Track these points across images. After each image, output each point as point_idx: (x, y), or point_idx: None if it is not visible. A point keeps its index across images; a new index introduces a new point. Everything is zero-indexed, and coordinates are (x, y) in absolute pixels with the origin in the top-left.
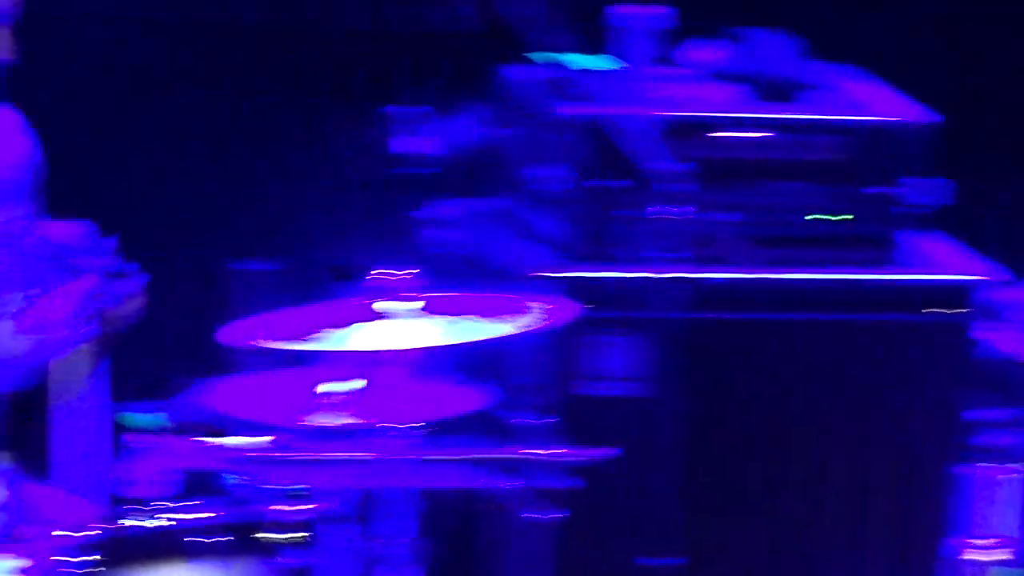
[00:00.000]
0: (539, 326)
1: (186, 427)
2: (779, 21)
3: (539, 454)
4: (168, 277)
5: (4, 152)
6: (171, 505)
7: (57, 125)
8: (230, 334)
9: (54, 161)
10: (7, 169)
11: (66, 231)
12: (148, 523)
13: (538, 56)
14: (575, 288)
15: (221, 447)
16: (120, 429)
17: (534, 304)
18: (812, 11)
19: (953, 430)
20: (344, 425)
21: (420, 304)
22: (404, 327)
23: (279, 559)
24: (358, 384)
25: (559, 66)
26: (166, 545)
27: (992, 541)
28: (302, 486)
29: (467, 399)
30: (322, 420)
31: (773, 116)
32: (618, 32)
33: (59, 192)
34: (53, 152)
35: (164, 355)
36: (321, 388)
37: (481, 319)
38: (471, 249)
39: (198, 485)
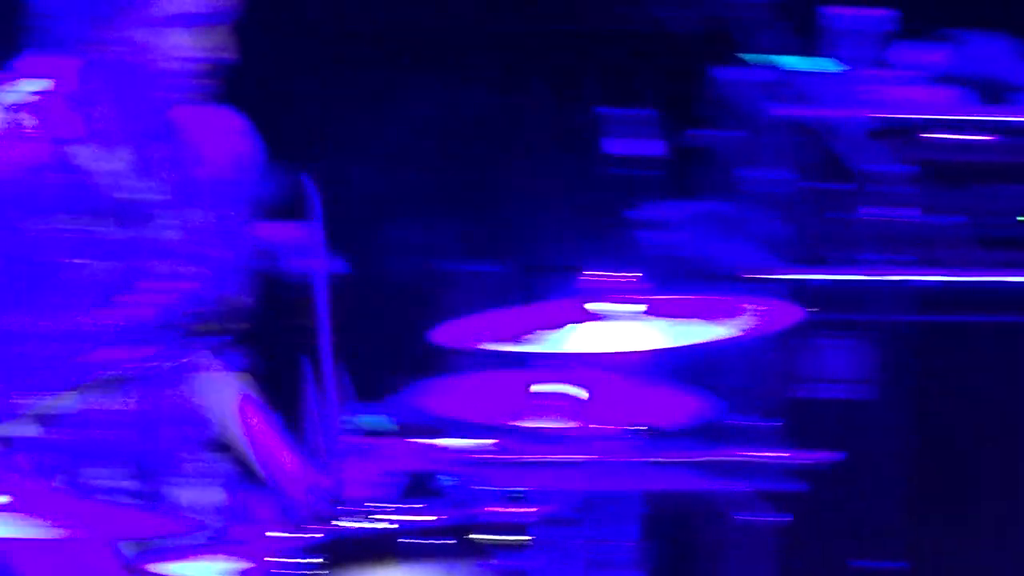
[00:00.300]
0: (760, 329)
1: (404, 428)
2: (996, 22)
3: (760, 457)
4: (385, 277)
5: (223, 153)
6: (388, 507)
7: (281, 126)
8: (446, 335)
9: (276, 161)
10: (225, 170)
11: (281, 232)
12: (365, 525)
13: (753, 58)
14: (795, 290)
15: (439, 448)
16: (349, 431)
17: (754, 306)
18: None
19: None
20: (561, 430)
21: (642, 306)
22: (622, 329)
23: (497, 561)
24: (578, 392)
25: (774, 68)
26: (383, 547)
27: None
28: (521, 488)
29: (689, 408)
30: (539, 424)
31: (990, 118)
32: (833, 33)
33: (282, 191)
34: (276, 152)
35: (381, 356)
36: (536, 388)
37: (701, 322)
38: (689, 251)
39: (416, 487)
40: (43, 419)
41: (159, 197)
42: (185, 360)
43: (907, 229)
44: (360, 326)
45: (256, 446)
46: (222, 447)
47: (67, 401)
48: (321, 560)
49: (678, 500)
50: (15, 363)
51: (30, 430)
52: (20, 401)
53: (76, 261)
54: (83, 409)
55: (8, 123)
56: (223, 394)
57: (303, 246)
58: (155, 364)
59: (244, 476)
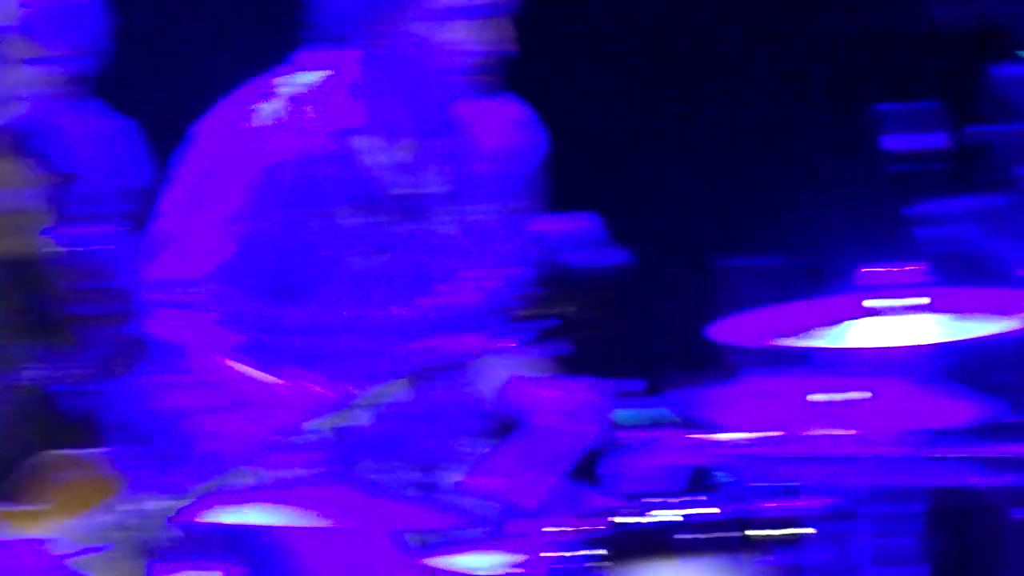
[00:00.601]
0: None
1: (679, 423)
2: None
3: None
4: (664, 272)
5: (507, 146)
6: (663, 501)
7: (560, 115)
8: (723, 331)
9: (557, 152)
10: (508, 163)
11: (561, 225)
12: (640, 519)
13: None
14: None
15: (715, 443)
16: (614, 425)
17: None
18: None
19: None
20: (839, 436)
21: (922, 301)
22: (902, 324)
23: (773, 556)
24: (858, 395)
25: None
26: (658, 541)
27: None
28: (799, 482)
29: (968, 410)
30: (819, 431)
31: None
32: None
33: (562, 184)
34: (557, 143)
35: (659, 350)
36: (815, 397)
37: (980, 316)
38: (968, 246)
39: (691, 481)
40: (370, 410)
41: (441, 190)
42: (507, 348)
43: None
44: (641, 320)
45: (547, 436)
46: (509, 437)
47: (393, 391)
48: (599, 554)
49: (959, 496)
50: (338, 354)
51: (357, 420)
52: (349, 392)
53: (362, 254)
54: (404, 399)
55: (287, 114)
56: (521, 381)
57: (585, 238)
58: (479, 353)
59: (527, 468)
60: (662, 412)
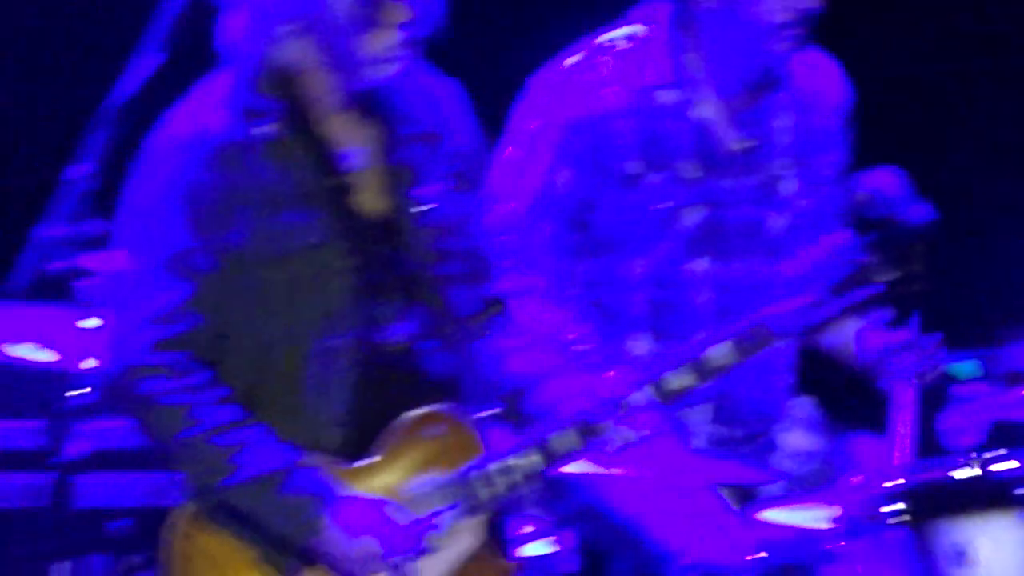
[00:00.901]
0: None
1: (1009, 377)
2: None
3: None
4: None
5: (823, 96)
6: (990, 455)
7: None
8: None
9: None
10: (826, 113)
11: (879, 180)
12: (967, 472)
13: None
14: None
15: None
16: (944, 379)
17: None
18: None
19: None
20: None
21: None
22: None
23: None
24: None
25: None
26: (984, 495)
27: None
28: None
29: None
30: None
31: None
32: None
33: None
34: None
35: (998, 307)
36: None
37: None
38: None
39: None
40: (704, 372)
41: (779, 145)
42: (847, 309)
43: None
44: (980, 276)
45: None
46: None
47: (726, 354)
48: (922, 507)
49: None
50: (675, 311)
51: (686, 382)
52: (678, 355)
53: (701, 208)
54: (740, 359)
55: (619, 70)
56: (864, 340)
57: (899, 194)
58: (814, 313)
59: (844, 426)
60: (991, 365)
